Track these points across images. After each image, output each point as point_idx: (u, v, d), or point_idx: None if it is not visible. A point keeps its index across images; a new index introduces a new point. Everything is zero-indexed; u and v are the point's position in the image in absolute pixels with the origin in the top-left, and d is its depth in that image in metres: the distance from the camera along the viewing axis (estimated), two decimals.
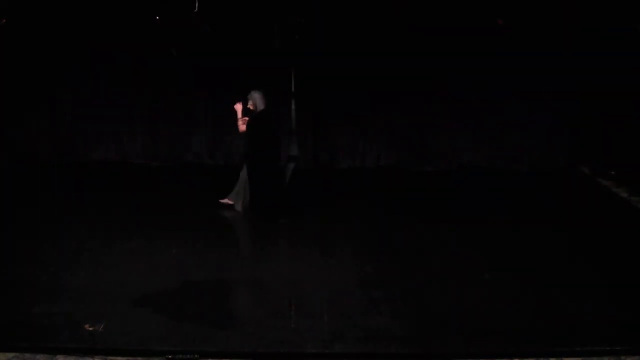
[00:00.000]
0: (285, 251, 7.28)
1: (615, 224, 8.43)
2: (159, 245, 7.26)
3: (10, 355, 4.91)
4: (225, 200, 8.74)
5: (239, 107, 8.42)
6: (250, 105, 8.32)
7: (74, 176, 10.53)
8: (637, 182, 9.80)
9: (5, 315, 5.44)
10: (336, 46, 10.85)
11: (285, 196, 8.59)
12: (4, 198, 9.19)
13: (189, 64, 11.02)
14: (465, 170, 11.24)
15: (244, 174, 8.53)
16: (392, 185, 10.42)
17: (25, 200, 9.03)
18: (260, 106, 8.31)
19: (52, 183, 10.13)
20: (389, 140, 11.47)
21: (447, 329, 5.39)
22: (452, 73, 11.16)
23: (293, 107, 11.51)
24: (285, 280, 6.37)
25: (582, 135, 11.40)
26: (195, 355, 4.86)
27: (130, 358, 4.92)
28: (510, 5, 9.68)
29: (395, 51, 10.84)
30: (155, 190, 9.92)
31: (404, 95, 11.34)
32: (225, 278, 6.43)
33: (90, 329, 5.23)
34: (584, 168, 11.21)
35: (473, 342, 5.18)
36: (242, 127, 8.38)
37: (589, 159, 11.23)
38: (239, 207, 8.58)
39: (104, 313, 5.47)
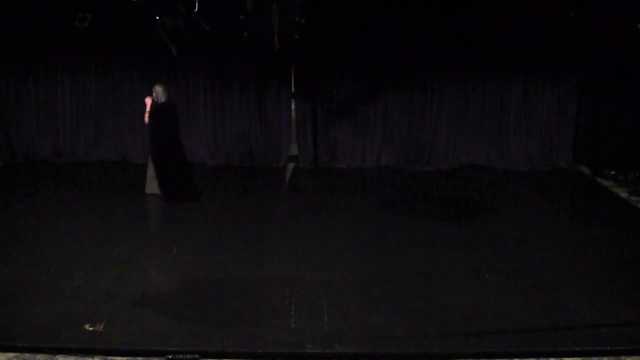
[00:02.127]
0: (285, 251, 7.28)
1: (614, 224, 8.44)
2: (159, 245, 7.26)
3: (10, 355, 4.92)
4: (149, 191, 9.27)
5: (148, 100, 8.94)
6: (153, 98, 8.94)
7: (73, 176, 10.54)
8: (637, 182, 9.81)
9: (5, 315, 5.44)
10: (336, 46, 10.86)
11: (190, 179, 9.22)
12: (3, 198, 9.19)
13: (190, 63, 11.05)
14: (465, 170, 11.24)
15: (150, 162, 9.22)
16: (392, 185, 10.42)
17: (25, 200, 9.03)
18: (162, 99, 8.93)
19: (52, 183, 10.13)
20: (389, 140, 11.48)
21: (447, 329, 5.39)
22: (452, 73, 11.19)
23: (293, 107, 11.54)
24: (285, 279, 6.37)
25: (582, 135, 11.41)
26: (195, 355, 4.86)
27: (130, 358, 4.92)
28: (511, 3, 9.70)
29: (394, 50, 10.86)
30: None
31: (404, 96, 11.36)
32: (225, 278, 6.43)
33: (90, 329, 5.23)
34: (584, 168, 11.22)
35: (473, 342, 5.19)
36: (147, 119, 9.00)
37: (589, 159, 11.24)
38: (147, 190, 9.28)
39: (104, 313, 5.48)
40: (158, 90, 8.91)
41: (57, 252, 6.94)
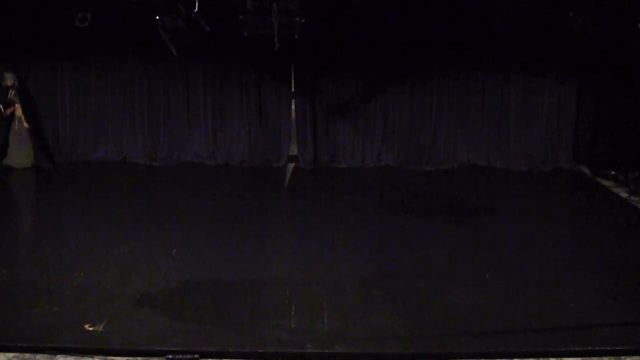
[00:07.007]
0: (285, 251, 7.28)
1: (615, 224, 8.43)
2: (159, 245, 7.26)
3: (10, 355, 4.92)
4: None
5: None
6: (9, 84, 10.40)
7: (74, 176, 10.54)
8: (637, 182, 9.81)
9: (5, 315, 5.44)
10: (336, 46, 10.86)
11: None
12: (3, 197, 9.19)
13: (190, 63, 11.05)
14: (465, 169, 11.24)
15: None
16: (392, 185, 10.42)
17: (26, 200, 9.03)
18: (17, 83, 10.43)
19: (52, 183, 10.13)
20: (389, 139, 11.48)
21: (447, 329, 5.39)
22: (452, 73, 11.20)
23: (293, 106, 11.54)
24: (285, 279, 6.37)
25: (582, 135, 11.40)
26: (195, 355, 4.86)
27: (130, 358, 4.92)
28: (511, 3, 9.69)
29: (394, 50, 10.86)
30: (155, 190, 9.93)
31: (404, 96, 11.36)
32: (225, 278, 6.43)
33: (90, 329, 5.23)
34: (584, 168, 11.22)
35: (473, 342, 5.19)
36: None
37: (589, 159, 11.23)
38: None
39: (104, 313, 5.48)
40: (10, 76, 10.30)
41: (57, 252, 6.94)
